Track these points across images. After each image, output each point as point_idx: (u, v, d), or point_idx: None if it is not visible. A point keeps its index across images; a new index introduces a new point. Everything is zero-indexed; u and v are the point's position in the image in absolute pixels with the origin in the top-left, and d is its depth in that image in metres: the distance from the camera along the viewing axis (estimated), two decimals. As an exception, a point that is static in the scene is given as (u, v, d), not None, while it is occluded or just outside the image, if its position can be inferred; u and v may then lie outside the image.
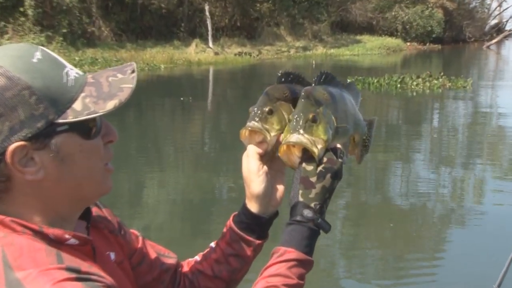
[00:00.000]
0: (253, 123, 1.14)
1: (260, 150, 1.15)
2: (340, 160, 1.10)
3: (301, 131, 1.08)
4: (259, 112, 1.15)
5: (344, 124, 1.16)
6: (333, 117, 1.13)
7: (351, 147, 1.23)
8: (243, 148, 1.18)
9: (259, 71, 23.13)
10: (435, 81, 16.78)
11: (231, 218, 1.23)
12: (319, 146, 1.08)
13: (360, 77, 17.24)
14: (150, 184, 7.18)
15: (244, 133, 1.15)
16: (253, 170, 1.14)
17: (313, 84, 1.17)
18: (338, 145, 1.13)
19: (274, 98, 1.17)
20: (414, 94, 16.07)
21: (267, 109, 1.15)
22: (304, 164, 1.08)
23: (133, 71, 0.96)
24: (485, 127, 11.52)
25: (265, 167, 1.16)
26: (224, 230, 1.24)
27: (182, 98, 13.83)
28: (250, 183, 1.15)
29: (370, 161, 8.37)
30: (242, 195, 1.19)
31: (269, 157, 1.17)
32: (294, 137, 1.08)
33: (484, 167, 8.13)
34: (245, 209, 1.20)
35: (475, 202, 6.62)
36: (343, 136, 1.17)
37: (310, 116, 1.09)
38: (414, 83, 16.69)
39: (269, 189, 1.17)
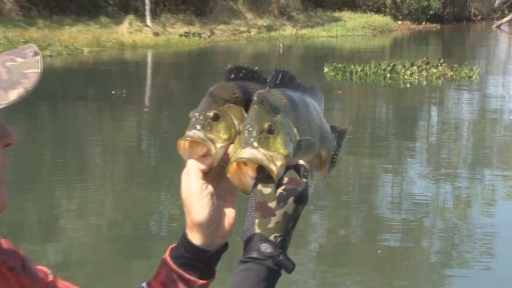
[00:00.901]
0: (193, 132, 1.16)
1: (203, 166, 1.17)
2: (304, 179, 1.12)
3: (255, 144, 1.10)
4: (201, 117, 1.17)
5: (308, 137, 1.19)
6: (294, 128, 1.15)
7: (317, 165, 1.27)
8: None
9: (211, 57, 23.21)
10: (434, 70, 17.32)
11: (167, 252, 1.23)
12: (278, 163, 1.09)
13: (340, 65, 17.51)
14: (68, 206, 7.10)
15: (183, 144, 1.17)
16: (194, 192, 1.15)
17: (268, 86, 1.19)
18: (301, 162, 1.15)
19: (221, 100, 1.19)
20: (408, 86, 16.39)
21: (211, 114, 1.17)
22: (260, 186, 1.10)
23: (36, 54, 0.99)
24: (496, 128, 11.88)
25: (210, 187, 1.17)
26: (159, 266, 1.24)
27: (113, 92, 13.91)
28: (191, 208, 1.16)
29: (353, 172, 8.58)
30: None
31: (215, 175, 1.19)
32: (246, 153, 1.10)
33: (494, 179, 8.33)
34: (185, 241, 1.19)
35: (482, 224, 6.74)
36: (307, 153, 1.19)
37: (266, 125, 1.11)
38: (408, 72, 17.02)
39: (216, 215, 1.18)
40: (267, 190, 1.09)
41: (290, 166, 1.12)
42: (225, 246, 1.22)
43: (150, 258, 5.59)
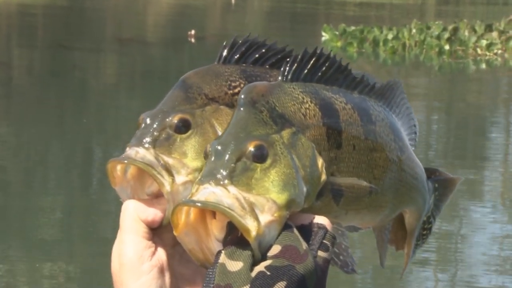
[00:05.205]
0: (136, 151, 0.88)
1: (150, 215, 0.89)
2: (322, 254, 0.85)
3: (224, 178, 0.84)
4: (156, 125, 0.91)
5: (358, 180, 0.93)
6: (319, 159, 0.90)
7: (393, 237, 1.04)
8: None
9: (99, 12, 17.86)
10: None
11: None
12: (264, 218, 0.83)
13: (353, 28, 13.58)
14: None
15: (117, 171, 0.89)
16: (129, 262, 0.87)
17: (281, 77, 0.92)
18: (322, 219, 0.86)
19: (202, 97, 0.94)
20: (483, 67, 12.80)
21: (175, 120, 0.91)
22: (223, 257, 0.82)
23: None
24: None
25: (161, 257, 0.90)
26: None
27: None
28: None
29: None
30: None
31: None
32: (204, 193, 0.84)
33: None
34: None
35: None
36: (360, 209, 0.94)
37: (250, 146, 0.86)
38: (482, 42, 13.35)
39: None
40: (235, 265, 0.82)
41: (291, 225, 0.84)
42: None
43: None
